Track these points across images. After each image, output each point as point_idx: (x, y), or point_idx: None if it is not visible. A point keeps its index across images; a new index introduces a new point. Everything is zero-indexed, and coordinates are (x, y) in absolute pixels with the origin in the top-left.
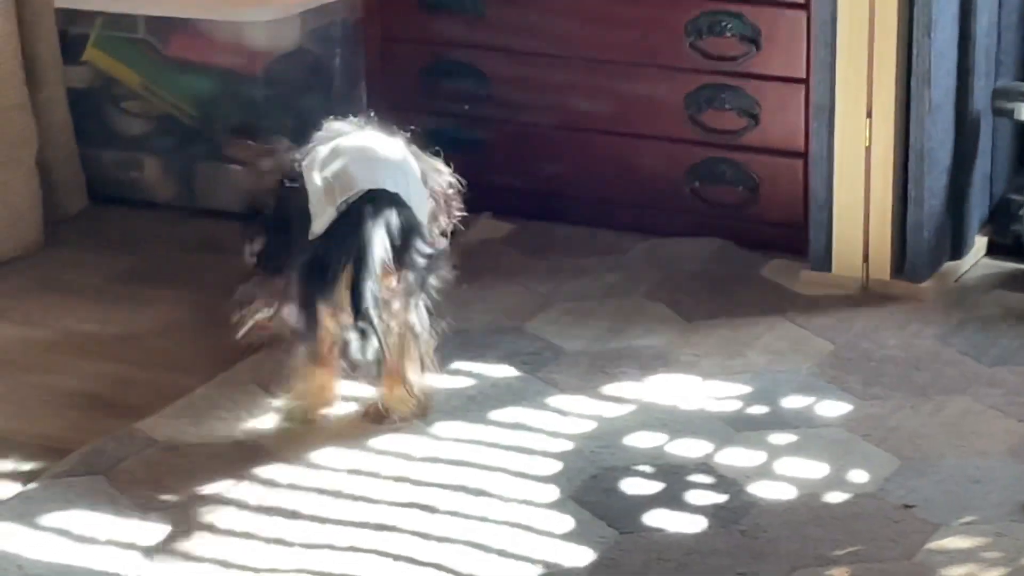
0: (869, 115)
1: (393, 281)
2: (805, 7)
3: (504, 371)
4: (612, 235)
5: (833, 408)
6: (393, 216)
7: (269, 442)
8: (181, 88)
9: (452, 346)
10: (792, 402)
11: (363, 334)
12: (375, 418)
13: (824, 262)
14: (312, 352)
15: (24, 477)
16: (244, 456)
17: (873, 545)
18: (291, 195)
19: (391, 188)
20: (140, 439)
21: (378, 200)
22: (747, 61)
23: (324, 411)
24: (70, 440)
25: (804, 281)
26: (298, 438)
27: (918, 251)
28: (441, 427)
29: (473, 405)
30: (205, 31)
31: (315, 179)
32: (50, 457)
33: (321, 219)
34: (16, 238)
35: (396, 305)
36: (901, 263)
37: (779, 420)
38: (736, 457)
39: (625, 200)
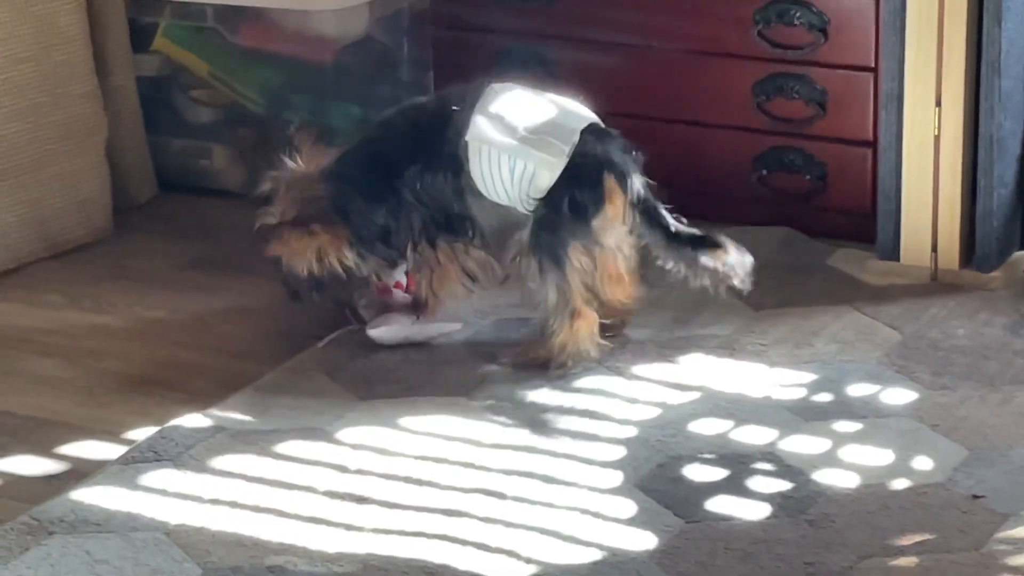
0: (938, 103)
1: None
2: None
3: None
4: None
5: (901, 397)
6: (617, 146)
7: (337, 428)
8: (249, 77)
9: (520, 334)
10: (859, 391)
11: (667, 242)
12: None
13: (892, 251)
14: (576, 298)
15: (93, 464)
16: (312, 442)
17: (941, 535)
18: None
19: (596, 122)
20: (208, 426)
21: (599, 134)
22: (815, 50)
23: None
24: (139, 426)
25: (872, 270)
26: (365, 423)
27: (987, 240)
28: (508, 414)
29: (539, 391)
30: (274, 20)
31: (508, 141)
32: (119, 443)
33: (546, 173)
34: (86, 225)
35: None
36: (970, 252)
37: (846, 409)
38: (802, 445)
39: (692, 189)
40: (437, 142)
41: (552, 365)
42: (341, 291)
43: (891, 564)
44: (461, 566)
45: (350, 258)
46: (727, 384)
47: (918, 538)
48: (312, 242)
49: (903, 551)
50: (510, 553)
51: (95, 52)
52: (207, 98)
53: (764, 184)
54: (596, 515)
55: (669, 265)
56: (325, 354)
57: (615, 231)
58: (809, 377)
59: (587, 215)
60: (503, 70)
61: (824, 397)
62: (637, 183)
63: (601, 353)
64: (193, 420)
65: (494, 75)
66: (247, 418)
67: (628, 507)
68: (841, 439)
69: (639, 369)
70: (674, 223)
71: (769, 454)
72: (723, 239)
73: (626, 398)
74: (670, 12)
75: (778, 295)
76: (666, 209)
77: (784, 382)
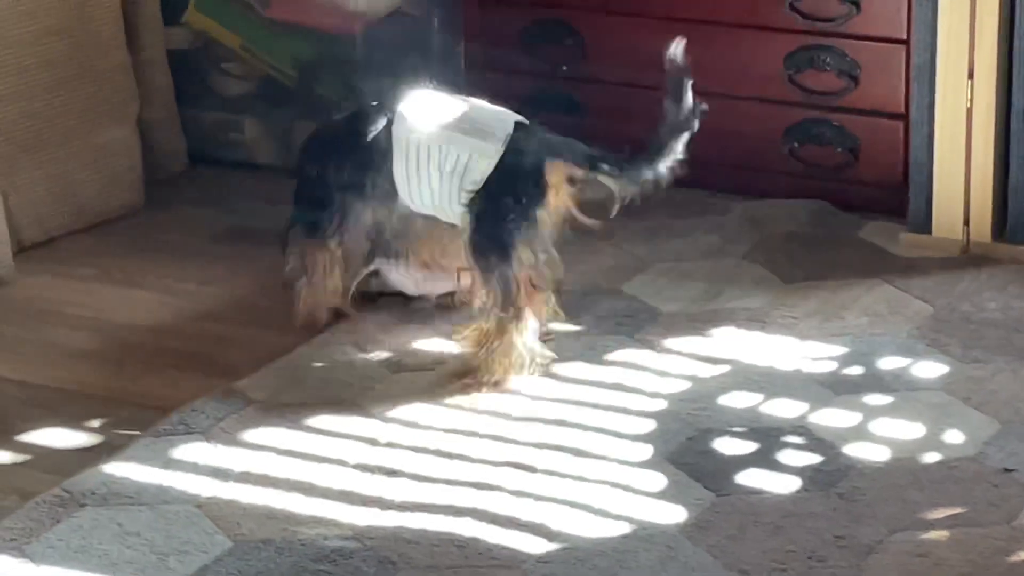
0: (971, 76)
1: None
2: None
3: (601, 332)
4: (709, 197)
5: (932, 370)
6: (551, 135)
7: (367, 401)
8: (280, 50)
9: (549, 308)
10: (890, 364)
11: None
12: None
13: (924, 224)
14: (520, 296)
15: (124, 437)
16: (343, 415)
17: (972, 509)
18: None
19: (524, 120)
20: (238, 398)
21: (531, 128)
22: (847, 22)
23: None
24: (170, 398)
25: (903, 243)
26: (396, 397)
27: (1019, 213)
28: (538, 387)
29: (570, 364)
30: None
31: (440, 132)
32: (150, 416)
33: (484, 161)
34: (117, 198)
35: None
36: (1002, 225)
37: (877, 382)
38: (833, 419)
39: (723, 161)
40: (358, 141)
41: (488, 378)
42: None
43: (922, 537)
44: (491, 539)
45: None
46: (757, 357)
47: (949, 512)
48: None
49: (934, 524)
50: (540, 527)
51: (126, 25)
52: (238, 71)
53: (795, 157)
54: (626, 488)
55: (641, 190)
56: (356, 326)
57: (556, 223)
58: (840, 350)
59: (532, 205)
60: (533, 43)
61: (855, 370)
62: (581, 152)
63: (544, 360)
64: (224, 393)
65: (524, 48)
66: (278, 391)
67: (658, 480)
68: (872, 412)
69: (669, 342)
70: (627, 161)
71: (800, 427)
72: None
73: (656, 371)
74: None
75: (809, 268)
76: (613, 156)
77: (815, 355)
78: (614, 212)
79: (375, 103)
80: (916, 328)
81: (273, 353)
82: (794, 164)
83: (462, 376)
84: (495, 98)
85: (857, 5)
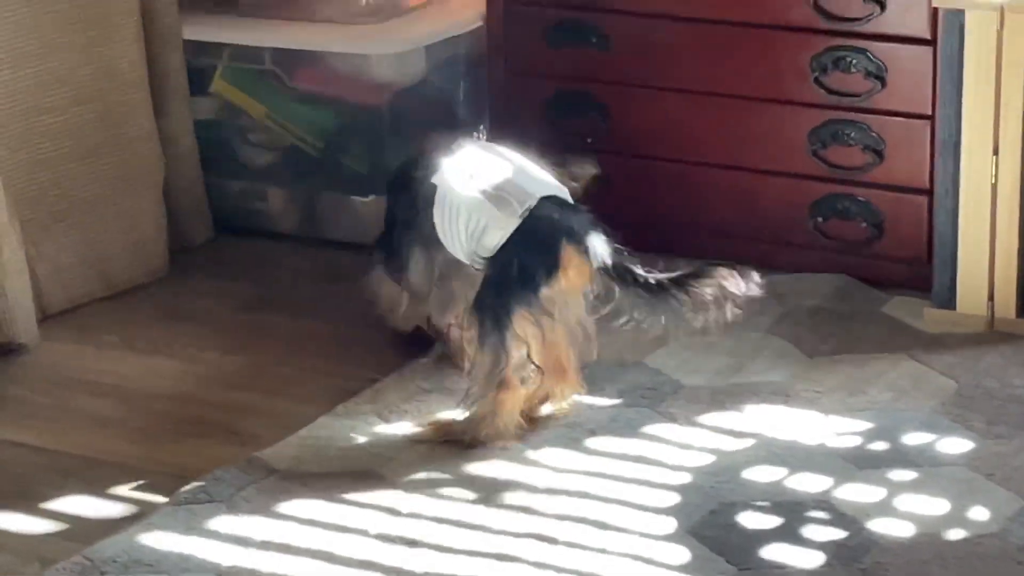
0: (996, 152)
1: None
2: (931, 43)
3: (623, 405)
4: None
5: (956, 446)
6: (579, 216)
7: (389, 471)
8: (306, 120)
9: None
10: (914, 439)
11: (651, 296)
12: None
13: (948, 300)
14: (508, 368)
15: (146, 505)
16: (364, 485)
17: None
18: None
19: (559, 193)
20: (260, 467)
21: (560, 203)
22: (872, 97)
23: (511, 440)
24: (192, 467)
25: (928, 319)
26: (418, 467)
27: None
28: (561, 458)
29: (593, 438)
30: (331, 64)
31: (467, 193)
32: (172, 484)
33: (497, 232)
34: (142, 266)
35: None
36: None
37: (901, 457)
38: (857, 494)
39: (747, 235)
40: (412, 187)
41: (467, 438)
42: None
43: None
44: None
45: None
46: (781, 431)
47: None
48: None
49: None
50: None
51: (153, 94)
52: (264, 141)
53: (820, 231)
54: (648, 561)
55: (662, 319)
56: (378, 396)
57: (569, 305)
58: (864, 425)
59: (536, 281)
60: (559, 115)
61: (879, 445)
62: (601, 249)
63: (519, 436)
64: (245, 462)
65: (549, 120)
66: (299, 460)
67: (681, 554)
68: (896, 488)
69: (693, 415)
70: (652, 275)
71: (823, 502)
72: (713, 267)
73: (679, 444)
74: (727, 58)
75: (833, 342)
76: (642, 267)
77: (839, 430)
78: (620, 322)
79: (434, 149)
80: (940, 404)
81: (295, 422)
82: (819, 238)
83: (445, 433)
84: None
85: (882, 80)
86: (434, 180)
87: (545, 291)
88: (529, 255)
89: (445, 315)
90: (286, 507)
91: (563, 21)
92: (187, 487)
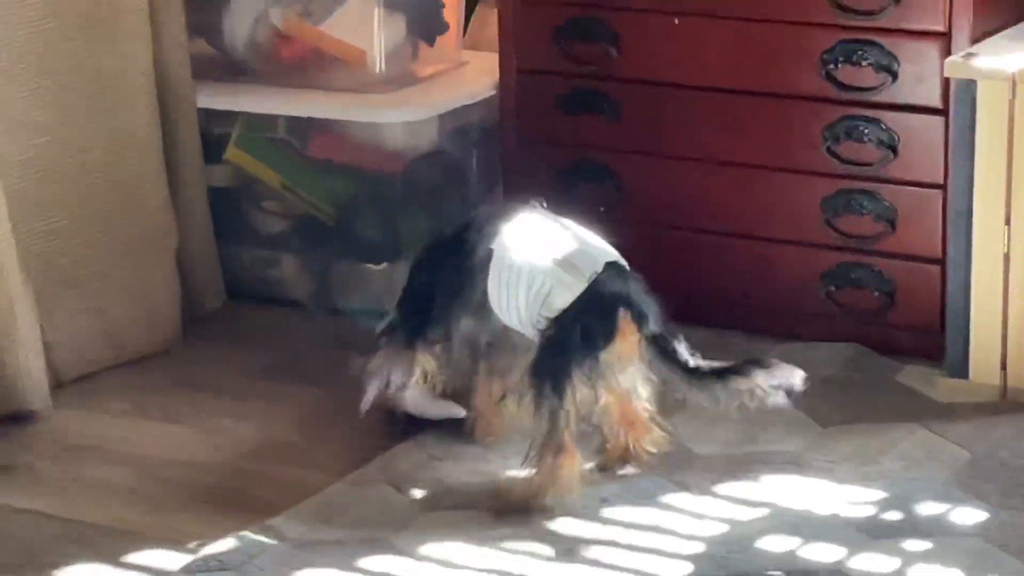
0: (1008, 222)
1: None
2: (943, 112)
3: (637, 472)
4: (747, 338)
5: (970, 517)
6: (636, 286)
7: (401, 540)
8: (320, 188)
9: (584, 448)
10: (928, 509)
11: (688, 379)
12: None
13: (961, 369)
14: (567, 432)
15: (157, 572)
16: (376, 554)
17: None
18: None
19: (619, 261)
20: (272, 535)
21: (620, 270)
22: (885, 166)
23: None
24: (203, 535)
25: (941, 388)
26: (430, 535)
27: None
28: (573, 527)
29: (606, 506)
30: (345, 132)
31: (531, 258)
32: (183, 552)
33: (565, 294)
34: (155, 334)
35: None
36: None
37: (914, 527)
38: (870, 564)
39: (760, 304)
40: (464, 252)
41: (531, 506)
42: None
43: None
44: None
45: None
46: (794, 500)
47: None
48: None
49: None
50: None
51: (167, 162)
52: (277, 209)
53: (833, 300)
54: None
55: (697, 400)
56: (390, 465)
57: (626, 369)
58: (877, 495)
59: (596, 345)
60: (572, 184)
61: (892, 515)
62: (652, 322)
63: (580, 495)
64: (258, 530)
65: (562, 189)
66: (312, 528)
67: None
68: (909, 558)
69: (706, 484)
70: (693, 359)
71: (837, 572)
72: (755, 362)
73: (693, 513)
74: (739, 127)
75: (846, 412)
76: (687, 347)
77: (852, 499)
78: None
79: (485, 218)
80: (953, 474)
81: (308, 491)
82: (831, 307)
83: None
84: None
85: (894, 150)
86: (492, 246)
87: (603, 355)
88: (592, 320)
89: (488, 386)
90: (299, 575)
91: (575, 90)
92: (199, 555)
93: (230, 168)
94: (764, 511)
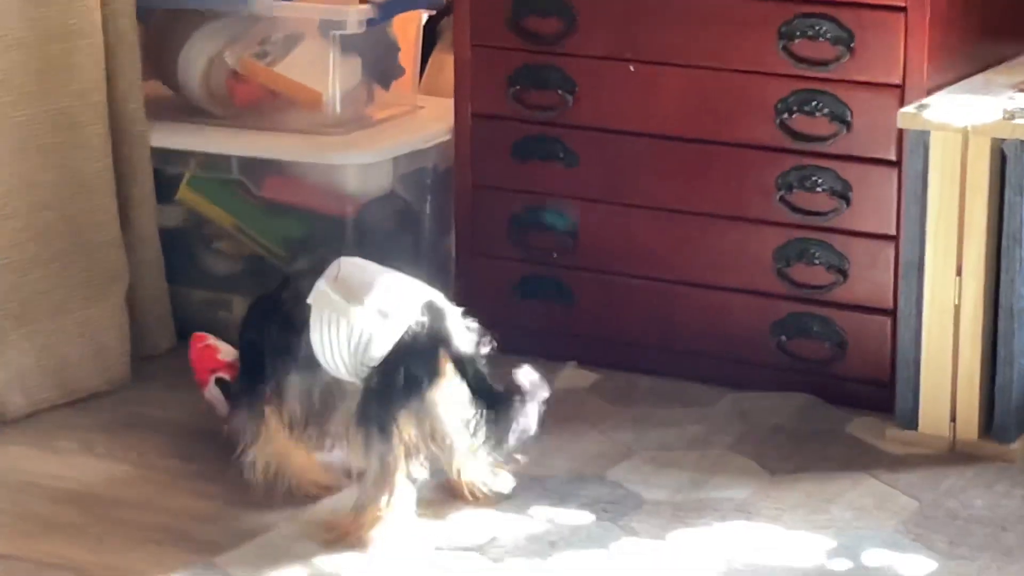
0: (959, 273)
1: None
2: (896, 164)
3: (584, 518)
4: (697, 387)
5: (918, 566)
6: (454, 321)
7: None
8: (272, 230)
9: (533, 492)
10: (876, 558)
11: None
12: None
13: (911, 420)
14: (396, 473)
15: None
16: None
17: None
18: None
19: (435, 299)
20: (217, 574)
21: (438, 309)
22: (837, 216)
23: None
24: (149, 573)
25: (890, 439)
26: (379, 574)
27: (1006, 411)
28: (520, 571)
29: (553, 551)
30: (298, 173)
31: (346, 309)
32: None
33: (382, 343)
34: (103, 373)
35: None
36: (989, 423)
37: None
38: None
39: (711, 352)
40: (285, 310)
41: (355, 543)
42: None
43: None
44: None
45: None
46: (743, 548)
47: None
48: None
49: None
50: None
51: (120, 201)
52: (228, 249)
53: (783, 350)
54: None
55: (507, 431)
56: (338, 503)
57: (452, 408)
58: (826, 543)
59: (421, 386)
60: (525, 230)
61: (841, 564)
62: (471, 358)
63: (412, 532)
64: (203, 567)
65: (516, 234)
66: (257, 567)
67: None
68: None
69: (653, 530)
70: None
71: None
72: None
73: (642, 559)
74: (692, 176)
75: (795, 460)
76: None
77: (801, 547)
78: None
79: (303, 272)
80: (902, 523)
81: (255, 530)
82: (782, 357)
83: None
84: (485, 284)
85: (847, 200)
86: (309, 301)
87: (429, 395)
88: (412, 363)
89: (326, 439)
90: None
91: (530, 136)
92: None
93: (182, 208)
94: (712, 558)
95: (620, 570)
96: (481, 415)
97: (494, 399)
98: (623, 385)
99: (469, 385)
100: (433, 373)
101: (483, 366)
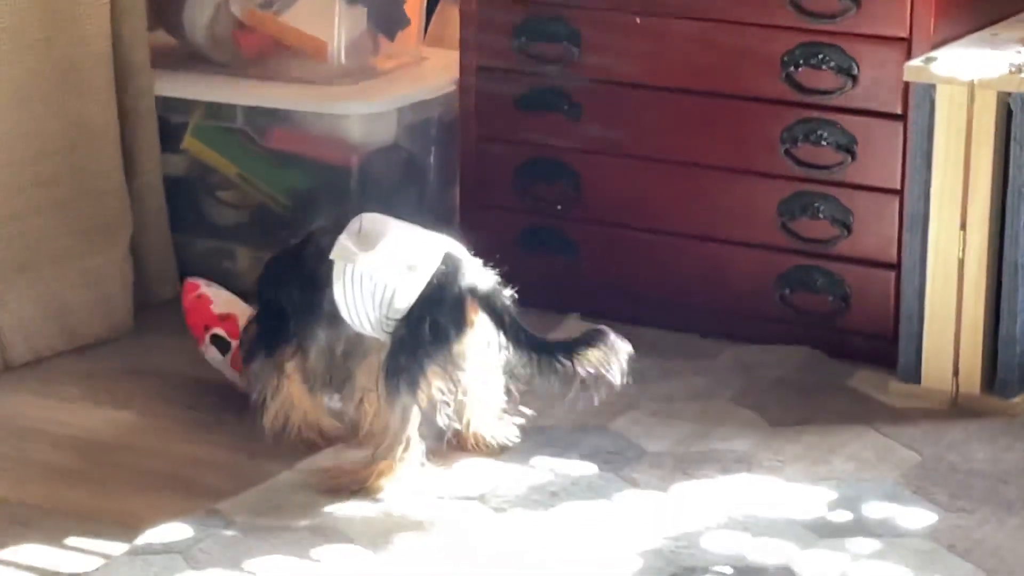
0: (963, 227)
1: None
2: (902, 117)
3: (586, 469)
4: (700, 340)
5: (918, 518)
6: (477, 270)
7: (350, 528)
8: (276, 179)
9: (535, 442)
10: (876, 510)
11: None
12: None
13: (913, 374)
14: (415, 427)
15: (102, 554)
16: (324, 542)
17: None
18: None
19: (455, 250)
20: (218, 520)
21: (461, 259)
22: (842, 170)
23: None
24: (151, 519)
25: (892, 392)
26: (378, 524)
27: (1009, 366)
28: (521, 521)
29: (554, 501)
30: (303, 123)
31: (370, 263)
32: (130, 535)
33: (406, 294)
34: (106, 321)
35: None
36: (992, 378)
37: (862, 527)
38: (818, 562)
39: (714, 306)
40: (306, 268)
41: (365, 491)
42: None
43: None
44: None
45: None
46: (743, 499)
47: None
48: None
49: None
50: None
51: (124, 149)
52: (233, 199)
53: (787, 303)
54: None
55: (545, 377)
56: (340, 455)
57: (480, 357)
58: (826, 495)
59: (448, 338)
60: (530, 182)
61: (841, 515)
62: (500, 305)
63: (418, 480)
64: (204, 513)
65: (520, 186)
66: (258, 514)
67: None
68: (857, 557)
69: (655, 481)
70: (539, 336)
71: (784, 569)
72: (590, 337)
73: (642, 509)
74: (698, 128)
75: (797, 413)
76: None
77: (801, 499)
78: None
79: (324, 228)
80: (903, 476)
81: (256, 478)
82: (785, 310)
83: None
84: (489, 236)
85: (852, 154)
86: (331, 256)
87: (456, 347)
88: (438, 314)
89: (347, 394)
90: (242, 560)
91: (535, 88)
92: (144, 538)
93: (187, 157)
94: (713, 508)
95: (622, 520)
96: (532, 360)
97: (540, 347)
98: (626, 337)
99: (507, 333)
100: (460, 324)
101: (517, 314)
